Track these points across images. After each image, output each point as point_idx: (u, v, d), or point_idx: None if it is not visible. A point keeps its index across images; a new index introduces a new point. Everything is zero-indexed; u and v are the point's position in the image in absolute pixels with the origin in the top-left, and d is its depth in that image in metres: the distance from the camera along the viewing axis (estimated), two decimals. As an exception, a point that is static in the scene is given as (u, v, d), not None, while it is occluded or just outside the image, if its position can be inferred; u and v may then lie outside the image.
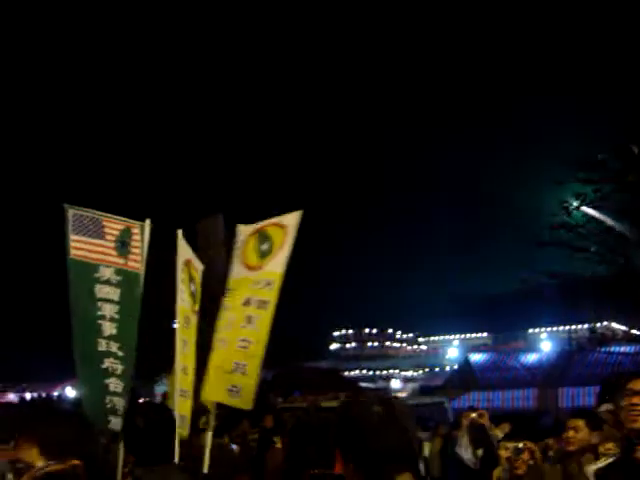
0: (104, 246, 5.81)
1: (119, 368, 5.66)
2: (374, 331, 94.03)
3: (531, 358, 37.78)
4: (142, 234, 6.10)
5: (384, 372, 78.08)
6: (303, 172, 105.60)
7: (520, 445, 5.57)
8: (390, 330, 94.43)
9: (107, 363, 5.62)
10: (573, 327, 69.24)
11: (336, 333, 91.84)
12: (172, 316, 6.26)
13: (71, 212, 5.72)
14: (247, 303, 6.22)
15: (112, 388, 5.60)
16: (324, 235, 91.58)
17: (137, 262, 6.00)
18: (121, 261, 5.89)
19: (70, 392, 42.67)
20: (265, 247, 6.38)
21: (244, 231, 6.63)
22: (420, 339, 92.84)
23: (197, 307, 6.64)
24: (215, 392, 6.26)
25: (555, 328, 69.69)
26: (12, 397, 40.32)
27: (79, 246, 5.69)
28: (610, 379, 6.53)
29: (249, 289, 6.31)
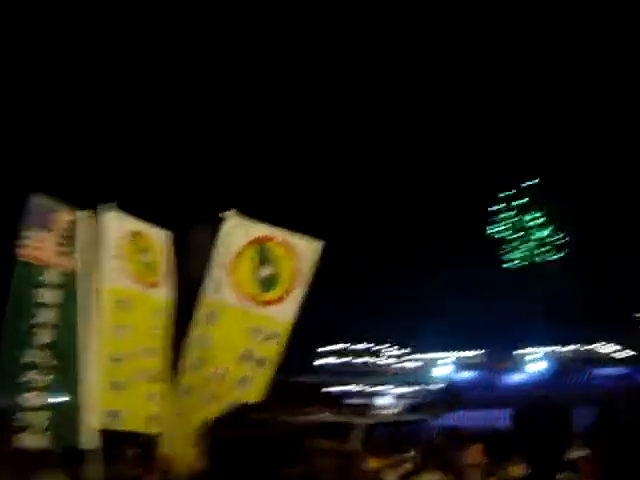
0: (50, 242, 5.25)
1: (46, 379, 5.11)
2: (364, 346, 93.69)
3: (518, 377, 37.57)
4: (86, 226, 5.46)
5: (373, 388, 77.70)
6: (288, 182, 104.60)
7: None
8: (380, 346, 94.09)
9: (30, 375, 5.07)
10: (561, 348, 69.86)
11: (325, 348, 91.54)
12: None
13: (33, 202, 5.18)
14: (246, 358, 5.08)
15: (29, 403, 5.05)
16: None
17: (75, 260, 5.36)
18: (63, 261, 5.30)
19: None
20: (266, 273, 5.18)
21: (235, 229, 5.24)
22: (411, 356, 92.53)
23: (156, 278, 5.53)
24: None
25: (545, 349, 69.71)
26: None
27: (28, 243, 5.13)
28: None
29: (248, 336, 5.10)
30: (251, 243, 5.19)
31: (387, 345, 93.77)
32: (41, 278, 5.19)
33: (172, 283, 5.51)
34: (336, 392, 57.76)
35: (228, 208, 5.36)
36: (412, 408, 38.96)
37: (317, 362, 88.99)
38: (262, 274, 5.16)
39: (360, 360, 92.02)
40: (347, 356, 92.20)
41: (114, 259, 5.32)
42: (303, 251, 5.20)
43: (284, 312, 5.16)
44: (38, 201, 5.23)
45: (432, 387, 64.13)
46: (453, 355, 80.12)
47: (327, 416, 17.09)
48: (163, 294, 5.47)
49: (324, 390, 40.24)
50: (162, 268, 5.54)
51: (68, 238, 5.31)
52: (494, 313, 78.27)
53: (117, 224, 5.41)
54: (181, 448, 4.89)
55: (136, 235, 5.54)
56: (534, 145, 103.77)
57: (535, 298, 79.24)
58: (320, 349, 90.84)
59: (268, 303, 5.13)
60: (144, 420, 5.23)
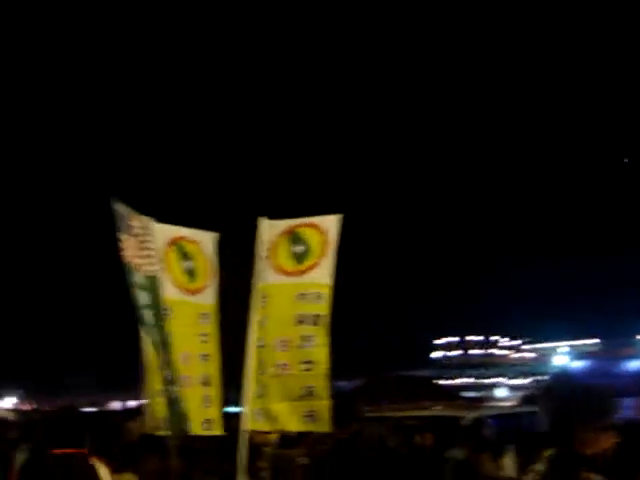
0: (134, 247, 5.51)
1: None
2: (479, 338, 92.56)
3: (637, 365, 36.43)
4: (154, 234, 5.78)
5: (489, 380, 76.76)
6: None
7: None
8: (496, 337, 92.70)
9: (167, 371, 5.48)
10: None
11: (439, 341, 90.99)
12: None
13: (115, 208, 5.37)
14: (301, 322, 5.84)
15: (172, 395, 5.46)
16: (429, 241, 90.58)
17: (154, 265, 5.71)
18: (145, 264, 5.58)
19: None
20: (300, 249, 5.99)
21: (270, 229, 6.08)
22: (527, 346, 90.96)
23: (199, 284, 6.14)
24: (289, 421, 5.87)
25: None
26: (116, 405, 41.32)
27: (121, 247, 5.37)
28: None
29: (296, 303, 5.88)
30: (283, 234, 6.06)
31: (502, 336, 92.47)
32: (134, 280, 5.43)
33: (216, 287, 6.21)
34: (451, 385, 57.64)
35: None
36: (528, 399, 38.39)
37: (432, 355, 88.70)
38: (296, 251, 5.98)
39: (475, 352, 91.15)
40: (462, 348, 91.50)
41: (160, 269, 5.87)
42: (326, 224, 6.01)
43: (321, 275, 5.91)
44: (117, 207, 5.40)
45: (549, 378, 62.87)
46: (569, 344, 78.35)
47: (438, 410, 17.35)
48: (208, 299, 6.20)
49: (438, 383, 40.21)
50: (207, 273, 6.18)
51: (145, 243, 5.63)
52: (610, 301, 75.89)
53: (161, 234, 5.98)
54: (298, 421, 5.77)
55: (179, 241, 6.10)
56: None
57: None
58: (435, 342, 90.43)
59: (305, 271, 5.96)
60: (201, 423, 6.00)
